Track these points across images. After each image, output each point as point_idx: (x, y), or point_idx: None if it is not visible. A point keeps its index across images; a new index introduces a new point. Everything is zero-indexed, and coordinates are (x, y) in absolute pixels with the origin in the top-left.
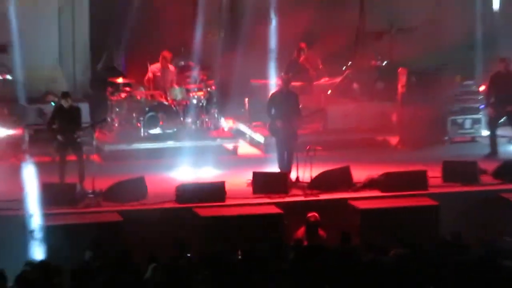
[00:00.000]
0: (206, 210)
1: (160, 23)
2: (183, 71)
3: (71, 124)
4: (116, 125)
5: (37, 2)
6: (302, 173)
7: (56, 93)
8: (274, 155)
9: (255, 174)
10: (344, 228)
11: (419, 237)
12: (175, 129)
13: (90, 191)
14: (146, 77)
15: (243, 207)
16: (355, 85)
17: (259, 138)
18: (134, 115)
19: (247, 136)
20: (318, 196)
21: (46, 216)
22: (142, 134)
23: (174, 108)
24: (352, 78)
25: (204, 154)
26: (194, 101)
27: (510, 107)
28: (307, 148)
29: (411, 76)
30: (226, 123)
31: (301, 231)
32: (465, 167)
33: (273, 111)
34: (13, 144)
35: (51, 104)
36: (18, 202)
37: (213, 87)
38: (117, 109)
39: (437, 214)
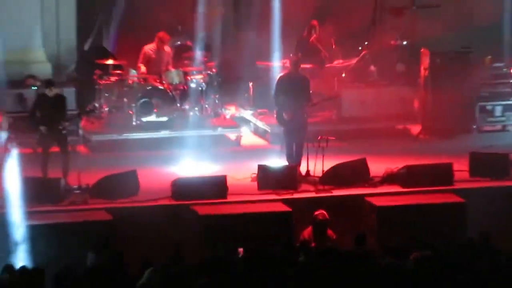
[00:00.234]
0: (206, 208)
1: None
2: (180, 52)
3: (55, 114)
4: (105, 112)
5: None
6: (313, 166)
7: (37, 77)
8: (281, 146)
9: (260, 168)
10: (359, 228)
11: (444, 238)
12: (171, 117)
13: (76, 186)
14: (139, 62)
15: (247, 204)
16: (372, 68)
17: (265, 127)
18: (125, 101)
19: (252, 124)
20: (331, 192)
21: (26, 214)
22: (134, 123)
23: (170, 93)
24: (369, 59)
25: (204, 144)
26: (193, 86)
27: None
28: (319, 138)
29: (435, 58)
30: (228, 110)
31: (307, 231)
32: (494, 160)
33: (280, 96)
34: None
35: (32, 89)
36: None
37: (214, 70)
38: (106, 95)
39: (464, 213)
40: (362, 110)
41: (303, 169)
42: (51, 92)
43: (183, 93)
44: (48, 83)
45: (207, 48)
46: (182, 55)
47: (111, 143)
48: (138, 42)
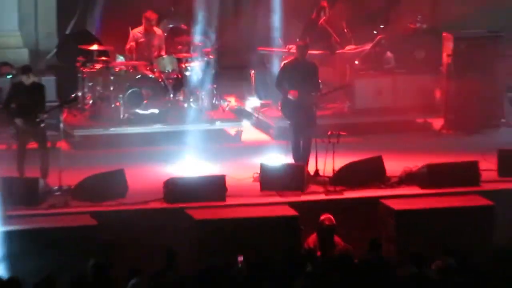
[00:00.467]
0: (202, 212)
1: None
2: (173, 36)
3: (33, 106)
4: (89, 104)
5: None
6: (323, 165)
7: (13, 64)
8: (287, 142)
9: (263, 167)
10: (374, 234)
11: (469, 245)
12: (163, 109)
13: (56, 187)
14: (128, 44)
15: (248, 208)
16: (389, 54)
17: (269, 120)
18: (111, 91)
19: (254, 117)
20: (342, 194)
21: (0, 219)
22: (121, 116)
23: (162, 83)
24: (385, 45)
25: (200, 140)
26: (188, 74)
27: None
28: (329, 133)
29: (459, 43)
30: (227, 102)
31: (312, 239)
32: None
33: (286, 86)
34: None
35: (7, 77)
36: None
37: (211, 56)
38: (90, 84)
39: (492, 217)
40: (378, 101)
41: (311, 168)
42: (28, 80)
43: (177, 82)
44: (25, 70)
45: (204, 32)
46: (175, 40)
47: (96, 138)
48: (126, 26)
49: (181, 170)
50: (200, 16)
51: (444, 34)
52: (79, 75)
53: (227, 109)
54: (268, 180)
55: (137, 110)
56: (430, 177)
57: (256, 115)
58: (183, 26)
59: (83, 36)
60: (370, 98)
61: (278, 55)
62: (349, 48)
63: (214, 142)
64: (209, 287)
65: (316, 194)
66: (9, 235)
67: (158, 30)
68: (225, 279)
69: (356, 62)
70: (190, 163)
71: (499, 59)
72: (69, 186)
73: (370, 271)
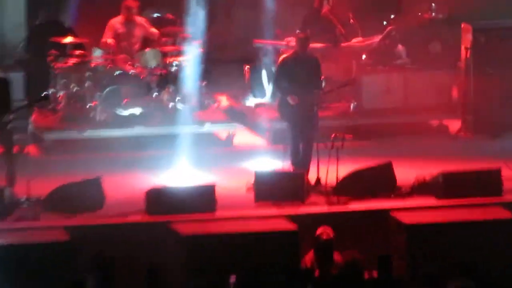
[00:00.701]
0: (189, 226)
1: None
2: (158, 28)
3: None
4: (62, 103)
5: None
6: (325, 172)
7: None
8: (285, 147)
9: (258, 175)
10: (383, 251)
11: (489, 263)
12: (145, 110)
13: (24, 198)
14: (105, 36)
15: (241, 221)
16: (400, 47)
17: (264, 122)
18: (87, 88)
19: (248, 119)
20: (347, 206)
21: None
22: (98, 117)
23: (144, 80)
24: (396, 37)
25: (187, 144)
26: (173, 70)
27: None
28: (332, 137)
29: (480, 35)
30: (218, 101)
31: (309, 257)
32: None
33: (284, 83)
34: None
35: None
36: None
37: (200, 50)
38: (64, 81)
39: None
40: (387, 100)
41: (312, 176)
42: None
43: (161, 79)
44: None
45: (193, 23)
46: (160, 31)
47: (70, 142)
48: (104, 15)
49: (165, 179)
50: (188, 4)
51: (462, 25)
52: (51, 70)
53: (217, 109)
54: (264, 190)
55: (116, 111)
56: (446, 186)
57: (251, 116)
58: (169, 16)
59: (55, 27)
60: (378, 97)
61: (276, 49)
62: (356, 40)
63: (203, 147)
64: None
65: (318, 206)
66: None
67: (139, 20)
68: None
69: (364, 57)
70: (175, 171)
71: None
72: (39, 197)
73: None
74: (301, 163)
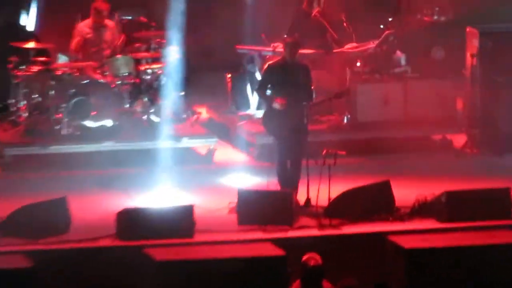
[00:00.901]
0: (164, 251)
1: None
2: (130, 32)
3: None
4: (24, 115)
5: None
6: (316, 192)
7: None
8: (271, 164)
9: (241, 195)
10: (380, 279)
11: None
12: (116, 123)
13: None
14: (73, 42)
15: (223, 246)
16: (398, 54)
17: (248, 136)
18: (52, 99)
19: (230, 133)
20: (340, 229)
21: None
22: (64, 130)
23: (115, 89)
24: (394, 42)
25: (163, 161)
26: (147, 78)
27: None
28: (324, 153)
29: (487, 39)
30: (197, 113)
31: (297, 285)
32: None
33: (270, 93)
34: None
35: None
36: None
37: (177, 57)
38: (26, 91)
39: None
40: (385, 113)
41: (301, 196)
42: None
43: (134, 88)
44: None
45: (169, 26)
46: (132, 36)
47: (32, 158)
48: (71, 19)
49: (138, 199)
50: (164, 6)
51: (468, 29)
52: (11, 79)
53: (196, 122)
54: (248, 212)
55: (84, 124)
56: (449, 208)
57: (233, 130)
58: (142, 19)
59: (15, 32)
60: (375, 108)
61: (262, 55)
62: (350, 46)
63: (181, 164)
64: None
65: (308, 229)
66: None
67: (110, 23)
68: None
69: (358, 64)
70: (150, 190)
71: None
72: None
73: None
74: (289, 181)
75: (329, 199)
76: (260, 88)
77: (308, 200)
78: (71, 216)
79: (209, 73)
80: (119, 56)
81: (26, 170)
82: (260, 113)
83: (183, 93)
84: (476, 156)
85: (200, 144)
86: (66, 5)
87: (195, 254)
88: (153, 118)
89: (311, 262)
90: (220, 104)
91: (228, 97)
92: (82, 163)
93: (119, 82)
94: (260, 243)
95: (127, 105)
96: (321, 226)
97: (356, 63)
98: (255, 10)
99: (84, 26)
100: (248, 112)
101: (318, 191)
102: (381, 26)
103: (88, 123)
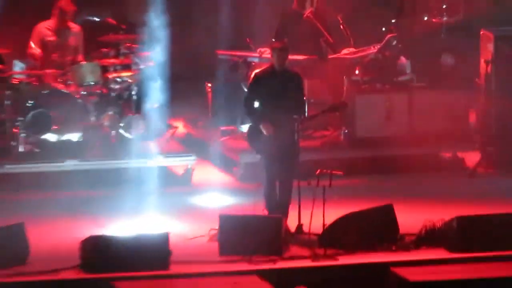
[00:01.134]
0: (136, 285)
1: None
2: (96, 35)
3: None
4: None
5: None
6: (309, 217)
7: None
8: (257, 186)
9: (223, 220)
10: None
11: None
12: (81, 138)
13: None
14: (31, 46)
15: (202, 279)
16: (402, 60)
17: (232, 154)
18: (7, 111)
19: (210, 150)
20: (337, 260)
21: None
22: (21, 147)
23: (79, 101)
24: (397, 47)
25: (134, 182)
26: (116, 88)
27: None
28: (318, 173)
29: (503, 44)
30: (173, 128)
31: None
32: None
33: (257, 106)
34: None
35: None
36: None
37: (150, 64)
38: None
39: None
40: (387, 127)
41: (292, 222)
42: None
43: (101, 99)
44: None
45: (141, 29)
46: (99, 40)
47: None
48: (29, 21)
49: (106, 225)
50: (134, 7)
51: (482, 32)
52: None
53: (172, 138)
54: (231, 240)
55: (44, 139)
56: (461, 235)
57: (214, 147)
58: (110, 21)
59: None
60: (376, 123)
61: (247, 62)
62: (347, 51)
63: (154, 185)
64: None
65: (299, 260)
66: None
67: (75, 27)
68: None
69: (357, 72)
70: (119, 215)
71: None
72: None
73: None
74: (278, 205)
75: (324, 225)
76: (246, 102)
77: (299, 227)
78: (30, 244)
79: (187, 82)
80: (84, 62)
81: None
82: (244, 128)
83: (157, 105)
84: (492, 177)
85: (177, 163)
86: (23, 5)
87: None
88: (123, 133)
89: None
90: (199, 117)
91: (208, 109)
92: (41, 184)
93: (84, 92)
94: (244, 275)
95: (93, 119)
96: (314, 256)
97: (354, 71)
98: (239, 10)
99: (45, 28)
100: (231, 126)
101: (311, 216)
102: (383, 29)
103: (49, 139)
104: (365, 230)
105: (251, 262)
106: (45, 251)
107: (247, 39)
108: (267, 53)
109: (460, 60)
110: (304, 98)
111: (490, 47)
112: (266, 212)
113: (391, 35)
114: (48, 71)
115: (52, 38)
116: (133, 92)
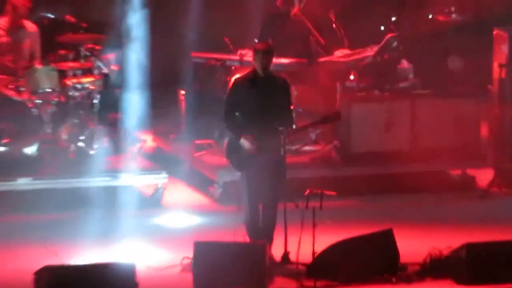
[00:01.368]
0: None
1: None
2: (53, 35)
3: None
4: None
5: None
6: (297, 244)
7: None
8: (237, 208)
9: (198, 248)
10: None
11: None
12: (35, 153)
13: None
14: None
15: None
16: (404, 64)
17: (208, 171)
18: None
19: (184, 167)
20: None
21: None
22: None
23: (33, 110)
24: (398, 49)
25: (96, 204)
26: (76, 95)
27: None
28: (307, 193)
29: None
30: (141, 141)
31: None
32: None
33: (237, 116)
34: None
35: None
36: None
37: (115, 68)
38: None
39: None
40: (386, 141)
41: (278, 250)
42: None
43: (58, 109)
44: None
45: (103, 29)
46: (56, 41)
47: None
48: None
49: (63, 253)
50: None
51: (495, 32)
52: None
53: (140, 154)
54: (207, 270)
55: None
56: (471, 265)
57: (188, 163)
58: (70, 18)
59: None
60: (373, 135)
61: (225, 66)
62: (341, 54)
63: (119, 207)
64: None
65: None
66: None
67: (31, 26)
68: None
69: (352, 77)
70: (78, 242)
71: None
72: None
73: None
74: (262, 231)
75: (314, 253)
76: (226, 115)
77: (286, 255)
78: None
79: (158, 88)
80: (39, 66)
81: None
82: (222, 142)
83: (122, 115)
84: (507, 198)
85: (146, 182)
86: None
87: None
88: (83, 147)
89: None
90: (171, 130)
91: (181, 120)
92: None
93: (39, 100)
94: None
95: (49, 131)
96: None
97: (349, 76)
98: (217, 6)
99: None
100: (207, 139)
101: (299, 243)
102: (382, 28)
103: None
104: (361, 259)
105: None
106: None
107: (226, 38)
108: (248, 55)
109: (470, 64)
110: (292, 107)
111: (505, 48)
112: (247, 239)
113: (391, 35)
114: None
115: (3, 39)
116: (95, 101)
